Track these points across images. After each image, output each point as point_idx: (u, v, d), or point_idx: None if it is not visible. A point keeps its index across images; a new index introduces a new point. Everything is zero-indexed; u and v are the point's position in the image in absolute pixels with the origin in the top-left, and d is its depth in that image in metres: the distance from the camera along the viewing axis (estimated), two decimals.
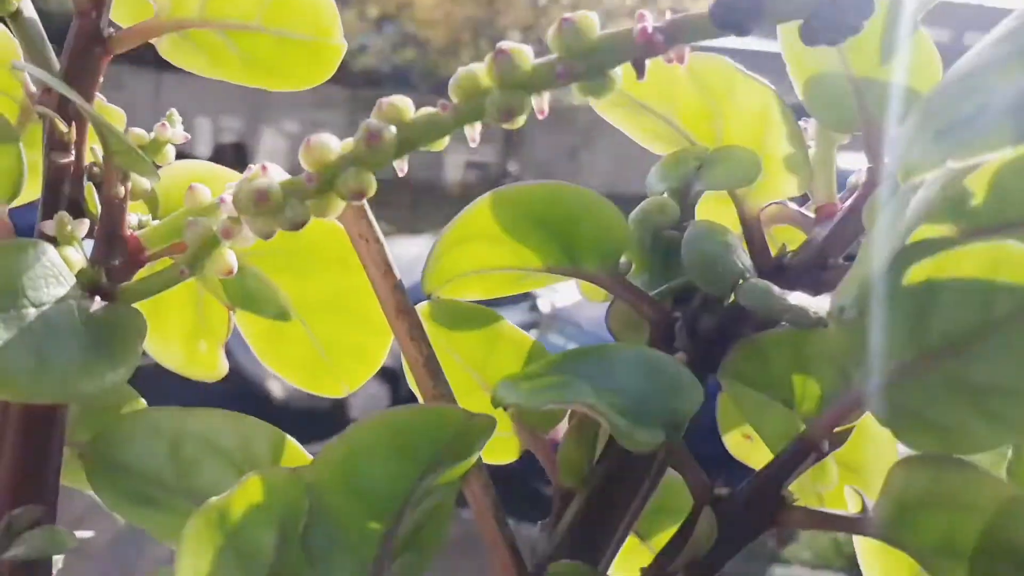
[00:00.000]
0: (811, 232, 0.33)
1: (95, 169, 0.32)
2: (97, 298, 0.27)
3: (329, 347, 0.35)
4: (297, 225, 0.24)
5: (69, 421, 0.29)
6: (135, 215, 0.31)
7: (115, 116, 0.34)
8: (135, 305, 0.28)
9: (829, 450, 0.26)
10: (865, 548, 0.28)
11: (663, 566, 0.26)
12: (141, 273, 0.29)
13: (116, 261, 0.29)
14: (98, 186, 0.31)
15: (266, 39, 0.32)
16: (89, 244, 0.30)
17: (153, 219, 0.33)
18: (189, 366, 0.37)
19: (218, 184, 0.29)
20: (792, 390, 0.28)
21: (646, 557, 0.28)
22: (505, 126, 0.24)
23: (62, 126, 0.30)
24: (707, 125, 0.34)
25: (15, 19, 0.32)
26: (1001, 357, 0.22)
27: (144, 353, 0.27)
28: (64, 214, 0.29)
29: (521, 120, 0.24)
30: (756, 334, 0.29)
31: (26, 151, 0.30)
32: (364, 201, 0.25)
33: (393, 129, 0.24)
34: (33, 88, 0.32)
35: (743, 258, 0.30)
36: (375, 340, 0.35)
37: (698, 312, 0.30)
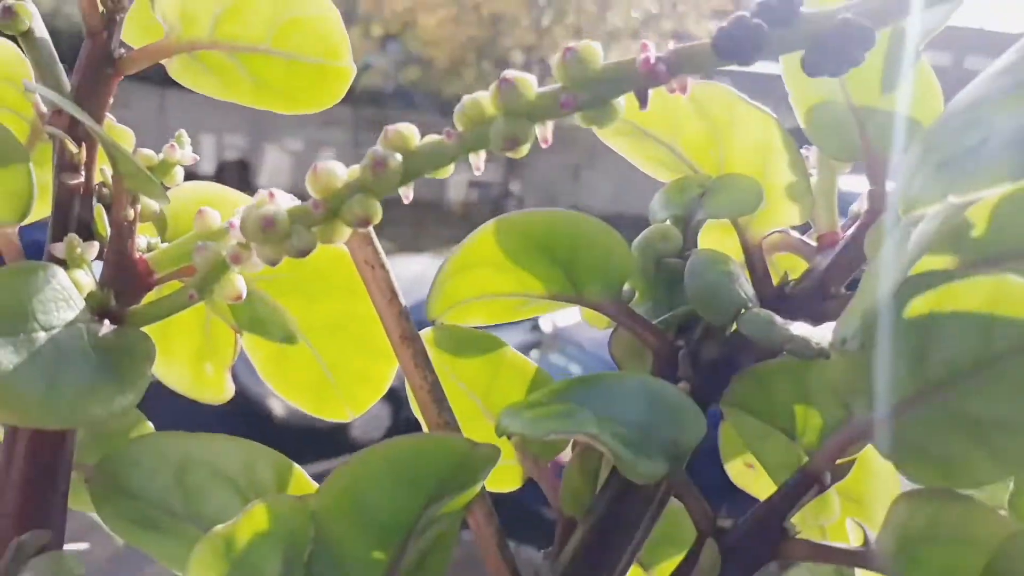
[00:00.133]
0: (813, 260, 0.33)
1: (104, 190, 0.32)
2: (106, 321, 0.27)
3: (335, 371, 0.35)
4: (303, 252, 0.24)
5: (76, 445, 0.29)
6: (144, 237, 0.31)
7: (124, 137, 0.34)
8: (143, 328, 0.28)
9: (831, 482, 0.26)
10: None
11: None
12: (150, 296, 0.30)
13: (125, 284, 0.29)
14: (107, 207, 0.31)
15: (276, 62, 0.32)
16: (97, 266, 0.30)
17: (162, 241, 0.33)
18: (195, 388, 0.37)
19: (227, 207, 0.29)
20: (794, 420, 0.28)
21: None
22: (509, 154, 0.24)
23: (72, 147, 0.31)
24: (709, 153, 0.34)
25: (27, 38, 0.32)
26: (1001, 391, 0.22)
27: None
28: (74, 236, 0.29)
29: (525, 149, 0.24)
30: (758, 364, 0.29)
31: (36, 170, 0.30)
32: (370, 228, 0.25)
33: (399, 157, 0.24)
34: (44, 108, 0.32)
35: (745, 287, 0.30)
36: (381, 365, 0.35)
37: (701, 341, 0.30)
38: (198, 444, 0.29)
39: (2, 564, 0.27)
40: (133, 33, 0.33)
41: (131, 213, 0.29)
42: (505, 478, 0.32)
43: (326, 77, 0.32)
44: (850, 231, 0.33)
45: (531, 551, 0.30)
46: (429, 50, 9.07)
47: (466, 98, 0.24)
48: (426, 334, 0.32)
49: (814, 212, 0.34)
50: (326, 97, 0.33)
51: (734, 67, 0.23)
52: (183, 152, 0.33)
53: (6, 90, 0.33)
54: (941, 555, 0.23)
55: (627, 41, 9.34)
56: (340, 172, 0.24)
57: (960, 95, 0.24)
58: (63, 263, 0.29)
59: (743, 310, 0.29)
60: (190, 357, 0.37)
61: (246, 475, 0.29)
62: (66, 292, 0.26)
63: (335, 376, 0.35)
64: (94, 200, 0.31)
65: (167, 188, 0.33)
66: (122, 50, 0.32)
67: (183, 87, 0.35)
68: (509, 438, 0.26)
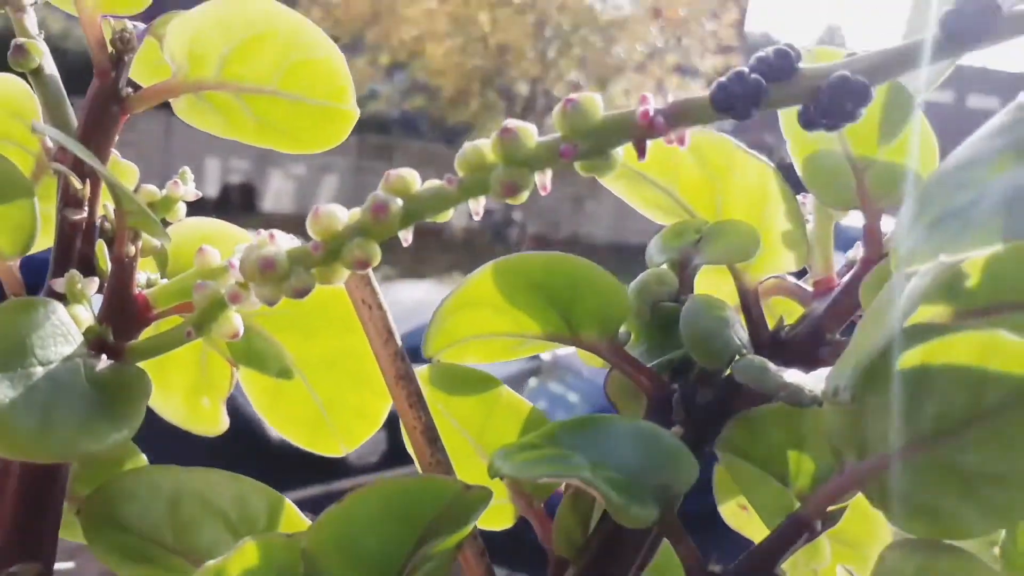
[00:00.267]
0: (809, 306, 0.33)
1: (107, 225, 0.32)
2: (104, 356, 0.27)
3: (330, 406, 0.35)
4: (302, 293, 0.24)
5: (69, 477, 0.29)
6: (144, 273, 0.32)
7: (129, 173, 0.34)
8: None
9: (822, 529, 0.26)
10: None
11: None
12: (147, 331, 0.30)
13: (124, 320, 0.29)
14: (109, 242, 0.32)
15: (280, 103, 0.33)
16: (97, 299, 0.30)
17: (162, 276, 0.33)
18: (190, 421, 0.37)
19: (227, 243, 0.30)
20: (787, 466, 0.28)
21: None
22: (509, 201, 0.24)
23: (77, 183, 0.31)
24: (707, 198, 0.35)
25: (36, 75, 0.33)
26: (992, 444, 0.22)
27: None
28: (75, 273, 0.29)
29: (524, 196, 0.24)
30: (752, 409, 0.29)
31: (40, 203, 0.31)
32: (369, 269, 0.26)
33: (399, 202, 0.24)
34: (50, 144, 0.33)
35: (740, 333, 0.30)
36: (376, 401, 0.35)
37: (695, 385, 0.30)
38: (190, 477, 0.29)
39: None
40: (141, 71, 0.34)
41: (132, 250, 0.30)
42: (497, 517, 0.32)
43: (330, 119, 0.33)
44: (846, 277, 0.33)
45: None
46: (435, 79, 9.13)
47: (467, 145, 0.24)
48: (422, 372, 0.32)
49: (810, 258, 0.34)
50: (329, 138, 0.34)
51: None
52: (186, 188, 0.34)
53: (14, 125, 0.33)
54: None
55: (631, 74, 9.40)
56: (341, 215, 0.24)
57: (955, 152, 0.24)
58: (63, 298, 0.29)
59: (738, 356, 0.29)
60: (186, 390, 0.37)
61: (238, 509, 0.29)
62: (65, 328, 0.26)
63: (330, 411, 0.35)
64: (96, 235, 0.31)
65: (168, 224, 0.34)
66: (129, 89, 0.32)
67: None
68: (502, 479, 0.26)
